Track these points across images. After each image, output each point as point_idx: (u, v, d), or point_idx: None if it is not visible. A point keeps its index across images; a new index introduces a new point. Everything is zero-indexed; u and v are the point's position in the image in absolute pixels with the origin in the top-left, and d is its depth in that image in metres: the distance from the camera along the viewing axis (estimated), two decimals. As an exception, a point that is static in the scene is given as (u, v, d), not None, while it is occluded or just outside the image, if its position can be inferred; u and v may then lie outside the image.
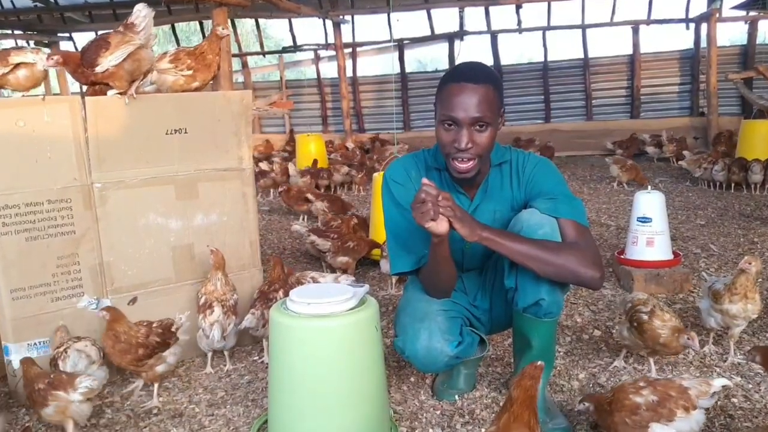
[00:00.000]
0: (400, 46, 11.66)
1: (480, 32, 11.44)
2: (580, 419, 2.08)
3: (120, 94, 2.41)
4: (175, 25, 12.32)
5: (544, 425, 1.93)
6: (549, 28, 11.24)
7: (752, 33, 10.36)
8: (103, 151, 2.42)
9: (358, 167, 7.36)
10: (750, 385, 2.28)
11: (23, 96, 2.42)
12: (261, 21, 12.33)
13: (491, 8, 11.07)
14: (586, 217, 2.05)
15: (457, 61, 10.38)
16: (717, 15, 9.64)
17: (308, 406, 1.81)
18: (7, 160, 2.25)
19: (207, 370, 2.58)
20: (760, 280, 3.00)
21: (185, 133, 2.59)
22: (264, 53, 13.05)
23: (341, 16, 10.76)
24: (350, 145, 9.75)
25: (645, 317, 2.28)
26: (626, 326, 2.38)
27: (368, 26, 14.46)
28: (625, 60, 11.07)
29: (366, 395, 1.85)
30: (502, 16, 12.02)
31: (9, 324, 2.30)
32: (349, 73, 11.39)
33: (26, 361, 2.10)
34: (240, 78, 12.13)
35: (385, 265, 3.43)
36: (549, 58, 11.36)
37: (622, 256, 3.56)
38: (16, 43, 11.93)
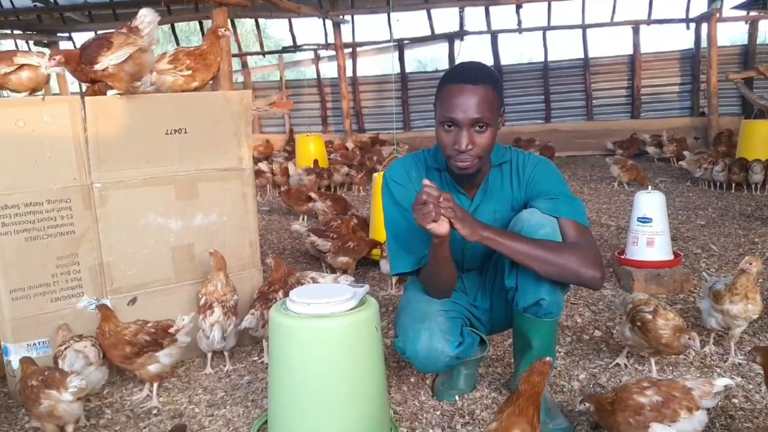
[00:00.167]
0: (400, 46, 11.66)
1: (480, 32, 11.45)
2: (581, 420, 2.08)
3: (120, 94, 2.41)
4: (175, 24, 12.32)
5: (544, 425, 1.93)
6: (549, 28, 11.24)
7: (753, 33, 10.37)
8: (103, 151, 2.42)
9: (357, 167, 7.36)
10: (751, 386, 2.28)
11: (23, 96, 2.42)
12: (261, 21, 12.33)
13: (491, 8, 11.07)
14: (587, 217, 2.05)
15: (457, 61, 10.37)
16: (717, 15, 9.65)
17: (308, 406, 1.80)
18: (6, 160, 2.25)
19: (207, 371, 2.58)
20: (760, 280, 2.99)
21: (185, 133, 2.59)
22: (264, 53, 13.06)
23: (341, 16, 10.76)
24: (350, 145, 9.75)
25: (649, 316, 2.27)
26: (628, 326, 2.38)
27: (368, 26, 14.48)
28: (625, 60, 11.08)
29: (366, 395, 1.85)
30: (502, 16, 12.03)
31: (8, 324, 2.30)
32: (349, 73, 11.40)
33: (26, 361, 2.10)
34: (240, 78, 12.14)
35: (385, 266, 3.42)
36: (549, 58, 11.36)
37: (622, 257, 3.56)
38: (16, 43, 11.96)
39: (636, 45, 10.88)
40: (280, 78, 12.56)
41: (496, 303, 2.21)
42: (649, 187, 4.34)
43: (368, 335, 1.84)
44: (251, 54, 13.23)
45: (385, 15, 10.68)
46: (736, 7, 10.24)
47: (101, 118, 2.39)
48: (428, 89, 11.31)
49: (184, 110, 2.59)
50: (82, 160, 2.38)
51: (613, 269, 3.66)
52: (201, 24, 12.04)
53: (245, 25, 17.04)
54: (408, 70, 11.97)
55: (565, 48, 11.68)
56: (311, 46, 12.13)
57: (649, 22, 10.86)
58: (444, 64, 12.10)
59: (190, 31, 19.55)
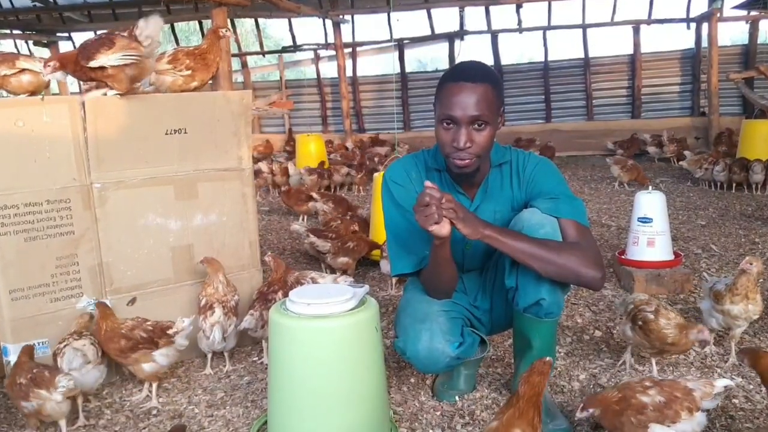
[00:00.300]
0: (400, 45, 11.66)
1: (480, 32, 11.45)
2: (581, 420, 2.07)
3: (119, 95, 2.40)
4: (175, 24, 12.31)
5: (544, 426, 1.92)
6: (549, 27, 11.24)
7: (753, 33, 10.36)
8: (103, 151, 2.41)
9: (357, 167, 7.35)
10: (751, 386, 2.27)
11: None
12: (261, 21, 12.33)
13: (491, 8, 11.07)
14: (587, 217, 2.04)
15: (458, 61, 10.37)
16: (718, 14, 9.65)
17: (308, 406, 1.80)
18: (6, 160, 2.24)
19: (206, 371, 2.57)
20: (761, 280, 2.99)
21: (185, 133, 2.58)
22: (264, 53, 13.06)
23: (341, 16, 10.75)
24: (350, 145, 9.75)
25: (651, 316, 2.26)
26: (629, 326, 2.37)
27: (368, 26, 14.50)
28: (625, 60, 11.07)
29: (366, 396, 1.84)
30: (503, 15, 12.03)
31: (8, 325, 2.29)
32: (349, 72, 11.39)
33: (25, 350, 2.10)
34: (239, 78, 12.13)
35: (385, 266, 3.42)
36: (549, 58, 11.36)
37: (622, 257, 3.56)
38: (15, 43, 11.95)
39: (636, 45, 10.87)
40: (280, 78, 12.56)
41: (497, 303, 2.20)
42: (650, 187, 4.33)
43: (368, 336, 1.84)
44: (251, 54, 13.24)
45: (385, 15, 10.69)
46: (736, 7, 10.24)
47: (101, 118, 2.39)
48: (428, 89, 11.31)
49: (184, 110, 2.59)
50: (81, 160, 2.37)
51: (614, 269, 3.66)
52: (201, 24, 12.04)
53: (245, 24, 17.05)
54: (408, 69, 11.97)
55: (565, 48, 11.70)
56: (311, 46, 12.13)
57: (650, 21, 10.86)
58: (444, 64, 12.10)
59: (189, 31, 19.55)
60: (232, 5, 7.10)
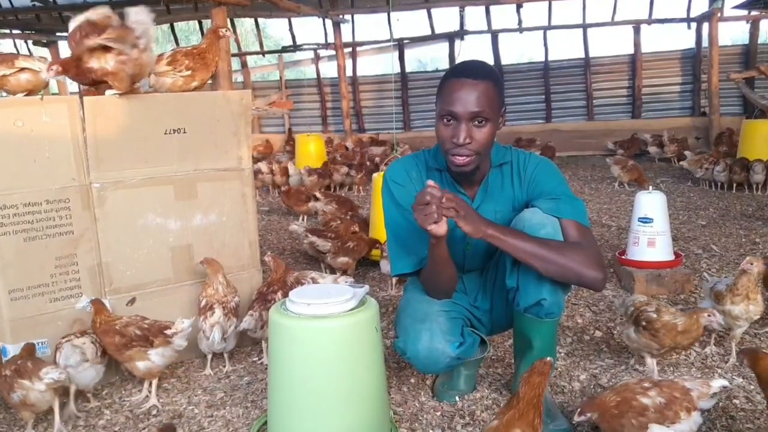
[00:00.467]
0: (400, 45, 11.65)
1: (480, 32, 11.44)
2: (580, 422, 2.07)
3: (119, 94, 2.40)
4: (174, 24, 12.31)
5: (545, 426, 1.91)
6: (550, 27, 11.24)
7: (754, 32, 10.36)
8: (102, 151, 2.41)
9: (357, 167, 7.35)
10: (752, 387, 2.27)
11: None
12: (260, 20, 12.33)
13: (492, 8, 11.06)
14: (588, 217, 2.04)
15: (458, 61, 10.37)
16: (718, 14, 9.64)
17: (308, 407, 1.80)
18: (5, 160, 2.24)
19: (206, 372, 2.57)
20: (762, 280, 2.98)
21: (184, 133, 2.58)
22: (263, 53, 13.05)
23: (341, 16, 10.75)
24: (350, 144, 9.74)
25: (654, 315, 2.25)
26: (633, 328, 2.34)
27: (368, 26, 14.50)
28: (626, 60, 11.07)
29: (366, 396, 1.84)
30: (503, 15, 12.02)
31: (7, 325, 2.29)
32: (348, 72, 11.39)
33: (26, 348, 2.12)
34: (239, 78, 12.12)
35: (385, 266, 3.41)
36: (550, 58, 11.36)
37: (623, 257, 3.55)
38: (15, 43, 11.95)
39: (637, 44, 10.87)
40: (280, 78, 12.55)
41: (497, 303, 2.20)
42: (650, 187, 4.33)
43: (368, 336, 1.84)
44: (251, 54, 13.23)
45: (385, 14, 10.67)
46: (737, 7, 10.22)
47: (100, 117, 2.38)
48: (428, 89, 11.31)
49: (184, 110, 2.58)
50: (80, 160, 2.37)
51: (614, 269, 3.65)
52: (201, 23, 12.03)
53: (245, 24, 17.03)
54: (408, 69, 11.96)
55: (565, 48, 11.69)
56: (311, 46, 12.13)
57: (650, 21, 10.86)
58: (444, 64, 12.10)
59: (189, 31, 19.55)
60: (232, 5, 7.10)
